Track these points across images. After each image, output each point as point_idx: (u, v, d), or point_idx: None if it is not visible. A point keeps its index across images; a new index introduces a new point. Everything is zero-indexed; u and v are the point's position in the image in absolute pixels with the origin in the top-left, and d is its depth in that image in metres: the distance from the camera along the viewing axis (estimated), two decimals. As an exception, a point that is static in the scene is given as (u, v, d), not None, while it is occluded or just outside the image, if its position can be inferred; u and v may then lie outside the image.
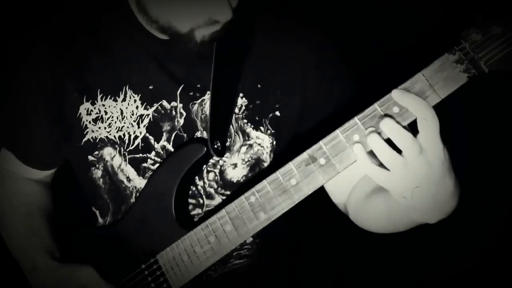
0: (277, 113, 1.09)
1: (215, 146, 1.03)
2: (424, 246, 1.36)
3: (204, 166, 1.09)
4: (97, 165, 1.11)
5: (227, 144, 1.07)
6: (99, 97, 1.09)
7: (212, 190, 1.10)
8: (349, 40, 1.33)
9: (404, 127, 0.82)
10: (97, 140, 1.09)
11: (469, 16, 0.80)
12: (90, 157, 1.11)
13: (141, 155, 1.09)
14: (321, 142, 0.89)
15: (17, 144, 1.20)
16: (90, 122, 1.09)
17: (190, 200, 1.10)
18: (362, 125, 0.85)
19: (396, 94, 0.82)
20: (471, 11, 0.80)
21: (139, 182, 1.10)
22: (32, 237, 1.14)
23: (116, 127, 1.09)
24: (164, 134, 1.08)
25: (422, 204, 0.85)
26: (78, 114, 1.10)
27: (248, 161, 1.10)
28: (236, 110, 1.08)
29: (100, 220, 1.18)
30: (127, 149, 1.09)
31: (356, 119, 0.86)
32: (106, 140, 1.09)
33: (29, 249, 1.12)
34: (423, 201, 0.84)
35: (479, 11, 0.79)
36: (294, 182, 0.91)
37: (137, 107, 1.08)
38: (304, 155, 0.90)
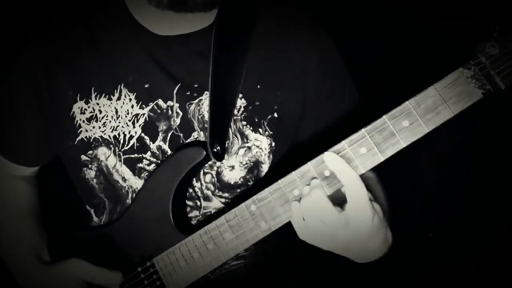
0: (275, 114, 1.06)
1: (215, 150, 1.00)
2: (427, 252, 1.37)
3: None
4: (89, 166, 1.08)
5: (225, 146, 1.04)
6: (93, 95, 1.05)
7: (209, 192, 1.08)
8: (352, 42, 1.29)
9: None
10: (91, 140, 1.06)
11: (484, 29, 0.76)
12: (84, 157, 1.08)
13: (136, 155, 1.06)
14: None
15: (3, 140, 1.16)
16: (83, 121, 1.05)
17: (187, 202, 1.08)
18: (370, 138, 0.82)
19: (327, 157, 0.85)
20: (487, 24, 0.76)
21: (135, 182, 1.07)
22: (21, 241, 1.11)
23: (111, 127, 1.05)
24: (160, 134, 1.05)
25: (348, 255, 0.93)
26: (71, 113, 1.06)
27: (246, 163, 1.07)
28: (235, 112, 1.04)
29: (95, 219, 1.15)
30: (122, 149, 1.06)
31: (363, 130, 0.83)
32: (100, 139, 1.05)
33: (17, 254, 1.09)
34: (348, 254, 0.93)
35: (496, 24, 0.75)
36: (297, 193, 0.88)
37: (132, 106, 1.04)
38: (308, 166, 0.87)
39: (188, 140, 1.05)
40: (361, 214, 0.83)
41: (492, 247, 1.43)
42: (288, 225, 1.20)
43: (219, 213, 0.98)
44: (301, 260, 1.23)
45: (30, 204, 1.21)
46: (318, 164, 0.86)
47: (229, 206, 1.03)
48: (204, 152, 0.99)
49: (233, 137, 1.05)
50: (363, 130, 0.83)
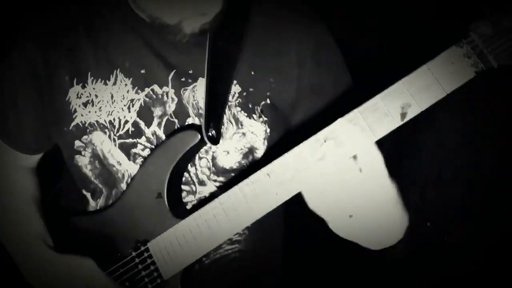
0: (268, 100, 1.06)
1: (210, 134, 1.00)
2: (425, 242, 1.37)
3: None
4: (83, 152, 1.08)
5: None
6: (89, 80, 1.05)
7: (204, 177, 1.08)
8: (348, 30, 1.28)
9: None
10: (86, 124, 1.06)
11: (478, 8, 0.76)
12: (78, 143, 1.08)
13: (131, 140, 1.06)
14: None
15: (4, 128, 1.16)
16: (79, 106, 1.06)
17: (183, 187, 1.08)
18: (363, 118, 0.82)
19: (340, 123, 0.83)
20: (480, 3, 0.76)
21: (131, 167, 1.07)
22: (28, 226, 1.11)
23: (107, 111, 1.05)
24: (155, 119, 1.05)
25: (363, 232, 0.86)
26: (67, 98, 1.06)
27: (242, 149, 1.07)
28: (230, 98, 1.04)
29: (92, 203, 1.15)
30: (117, 134, 1.06)
31: (356, 111, 0.83)
32: (96, 124, 1.06)
33: (25, 239, 1.09)
34: (363, 230, 0.85)
35: (489, 3, 0.75)
36: (290, 174, 0.88)
37: (128, 91, 1.05)
38: (301, 148, 0.87)
39: None
40: (379, 183, 0.81)
41: (492, 238, 1.42)
42: (284, 210, 1.20)
43: (214, 197, 0.98)
44: (296, 245, 1.23)
45: (33, 193, 1.21)
46: (313, 143, 0.86)
47: (223, 190, 1.03)
48: (199, 136, 0.99)
49: (227, 122, 1.05)
50: (355, 110, 0.83)
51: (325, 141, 0.84)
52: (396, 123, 0.81)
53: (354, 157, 0.82)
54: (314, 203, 0.83)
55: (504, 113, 1.32)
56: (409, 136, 0.81)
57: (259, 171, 0.91)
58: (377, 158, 0.81)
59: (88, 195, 1.15)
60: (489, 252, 1.42)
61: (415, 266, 1.48)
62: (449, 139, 1.36)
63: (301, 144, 0.87)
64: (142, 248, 1.03)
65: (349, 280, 1.44)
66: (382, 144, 0.84)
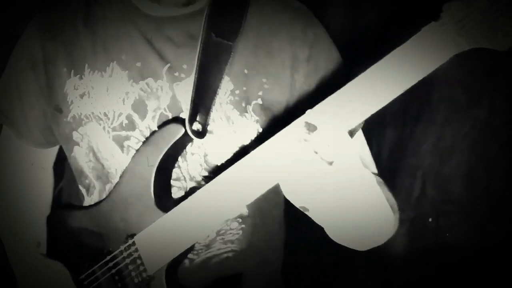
0: (260, 100, 1.05)
1: (194, 128, 1.00)
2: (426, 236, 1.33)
3: (189, 148, 1.06)
4: (80, 144, 1.10)
5: (210, 128, 1.04)
6: (86, 71, 1.08)
7: (196, 173, 1.07)
8: (344, 28, 1.27)
9: None
10: (82, 116, 1.08)
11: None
12: (75, 134, 1.10)
13: (124, 132, 1.07)
14: None
15: (13, 119, 1.20)
16: (76, 97, 1.08)
17: (174, 183, 1.08)
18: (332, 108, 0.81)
19: (309, 114, 0.81)
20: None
21: (124, 160, 1.08)
22: (29, 231, 1.18)
23: (102, 103, 1.07)
24: (149, 112, 1.06)
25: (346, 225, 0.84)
26: (65, 89, 1.09)
27: (233, 147, 1.06)
28: (222, 95, 1.04)
29: (87, 198, 1.18)
30: (111, 126, 1.07)
31: (325, 101, 0.83)
32: (91, 116, 1.08)
33: (23, 241, 1.16)
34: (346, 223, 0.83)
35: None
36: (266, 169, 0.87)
37: (123, 84, 1.06)
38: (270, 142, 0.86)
39: None
40: (350, 163, 0.79)
41: (494, 233, 1.36)
42: (285, 210, 1.17)
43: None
44: (291, 245, 1.20)
45: (47, 198, 1.27)
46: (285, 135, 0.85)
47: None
48: (183, 130, 0.99)
49: (220, 119, 1.04)
50: (325, 100, 0.82)
51: (296, 133, 0.83)
52: (369, 111, 0.79)
53: (326, 147, 0.80)
54: (290, 195, 0.82)
55: (505, 107, 1.27)
56: (409, 131, 0.78)
57: (238, 162, 0.90)
58: (348, 149, 0.79)
59: (84, 190, 1.18)
60: (491, 248, 1.35)
61: (417, 262, 1.43)
62: (450, 134, 1.32)
63: (274, 136, 0.86)
64: (129, 242, 1.03)
65: (349, 278, 1.41)
66: (382, 141, 0.82)
